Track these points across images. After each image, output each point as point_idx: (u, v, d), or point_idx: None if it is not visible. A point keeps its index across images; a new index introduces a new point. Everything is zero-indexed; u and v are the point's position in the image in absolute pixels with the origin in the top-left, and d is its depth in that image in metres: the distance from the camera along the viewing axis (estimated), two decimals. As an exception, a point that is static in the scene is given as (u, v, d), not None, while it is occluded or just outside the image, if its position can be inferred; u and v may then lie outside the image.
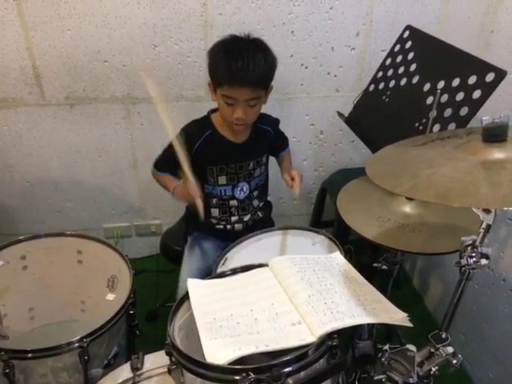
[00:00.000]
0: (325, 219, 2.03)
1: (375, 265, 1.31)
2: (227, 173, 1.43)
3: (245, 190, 1.48)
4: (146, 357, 1.06)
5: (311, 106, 1.89)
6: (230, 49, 1.25)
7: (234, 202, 1.48)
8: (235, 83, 1.23)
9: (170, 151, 1.42)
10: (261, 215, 1.57)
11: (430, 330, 0.97)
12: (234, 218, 1.51)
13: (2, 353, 1.02)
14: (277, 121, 1.53)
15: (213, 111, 1.44)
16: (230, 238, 1.43)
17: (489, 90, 1.08)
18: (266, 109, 1.55)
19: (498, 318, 1.45)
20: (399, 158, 0.91)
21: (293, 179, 1.40)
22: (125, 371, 1.04)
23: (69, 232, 1.40)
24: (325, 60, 1.79)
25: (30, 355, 1.05)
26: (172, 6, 1.60)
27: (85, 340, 1.07)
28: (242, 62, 1.21)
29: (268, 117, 1.50)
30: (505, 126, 0.77)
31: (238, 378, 0.74)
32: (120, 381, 1.03)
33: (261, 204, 1.57)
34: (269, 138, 1.50)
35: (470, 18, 1.55)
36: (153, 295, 1.88)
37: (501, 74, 1.06)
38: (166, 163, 1.43)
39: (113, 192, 1.99)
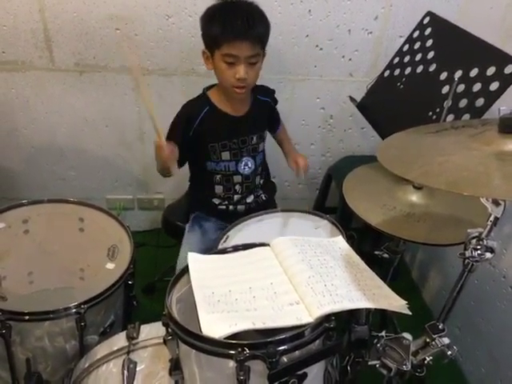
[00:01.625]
0: (328, 205, 2.01)
1: (377, 252, 1.30)
2: (230, 148, 1.41)
3: (250, 165, 1.45)
4: (142, 327, 1.07)
5: (323, 89, 1.85)
6: (226, 8, 1.25)
7: (238, 178, 1.46)
8: (236, 39, 1.21)
9: (170, 139, 1.40)
10: (264, 198, 1.55)
11: (425, 321, 0.96)
12: (236, 197, 1.49)
13: (0, 313, 1.03)
14: (273, 91, 1.51)
15: (208, 88, 1.42)
16: (231, 220, 1.42)
17: (507, 82, 1.06)
18: (277, 89, 1.53)
19: (494, 315, 1.45)
20: (411, 144, 0.89)
21: (297, 164, 1.42)
22: (120, 339, 1.05)
23: (72, 199, 1.40)
24: (340, 42, 1.75)
25: (27, 317, 1.06)
26: (189, -24, 1.57)
27: (82, 306, 1.07)
28: (240, 19, 1.21)
29: (265, 88, 1.49)
30: (523, 117, 0.75)
31: (233, 352, 0.74)
32: (115, 348, 1.04)
33: (261, 181, 1.55)
34: (270, 111, 1.49)
35: (492, 9, 1.51)
36: (151, 269, 1.89)
37: (521, 67, 1.04)
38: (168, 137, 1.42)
39: (117, 164, 1.98)
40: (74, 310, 1.07)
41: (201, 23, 1.30)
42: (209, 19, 1.27)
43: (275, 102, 1.52)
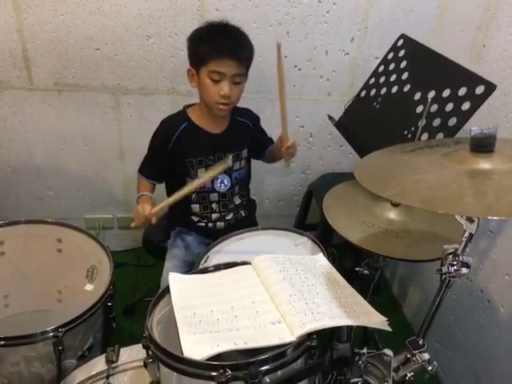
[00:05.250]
0: (309, 222, 2.03)
1: (357, 269, 1.32)
2: (206, 165, 1.41)
3: (226, 182, 1.46)
4: (122, 350, 1.05)
5: (302, 108, 1.89)
6: (215, 29, 1.30)
7: (214, 196, 1.46)
8: (223, 56, 1.25)
9: (150, 154, 1.43)
10: (243, 214, 1.56)
11: (406, 337, 0.98)
12: (214, 216, 1.49)
13: (-26, 339, 1.00)
14: (257, 117, 1.53)
15: (188, 106, 1.44)
16: (212, 236, 1.42)
17: (478, 102, 1.10)
18: (257, 108, 1.56)
19: (473, 329, 1.48)
20: (387, 163, 0.91)
21: (288, 148, 1.35)
22: (99, 363, 1.03)
23: (49, 220, 1.38)
24: (318, 63, 1.79)
25: (2, 342, 1.02)
26: (169, -2, 1.59)
27: (60, 330, 1.05)
28: (229, 38, 1.27)
29: (247, 110, 1.50)
30: (493, 136, 0.78)
31: (214, 374, 0.74)
32: (94, 373, 1.01)
33: (244, 202, 1.56)
34: (248, 132, 1.49)
35: (463, 32, 1.57)
36: (131, 289, 1.86)
37: (490, 88, 1.08)
38: (147, 167, 1.44)
39: (97, 183, 1.97)
40: (51, 334, 1.05)
41: (188, 43, 1.33)
42: (197, 38, 1.31)
43: (259, 129, 1.53)
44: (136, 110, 1.80)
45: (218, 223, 1.50)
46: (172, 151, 1.39)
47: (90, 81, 1.72)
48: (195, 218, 1.49)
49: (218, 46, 1.25)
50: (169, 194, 1.54)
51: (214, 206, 1.48)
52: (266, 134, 1.58)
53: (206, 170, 1.41)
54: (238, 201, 1.53)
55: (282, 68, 1.26)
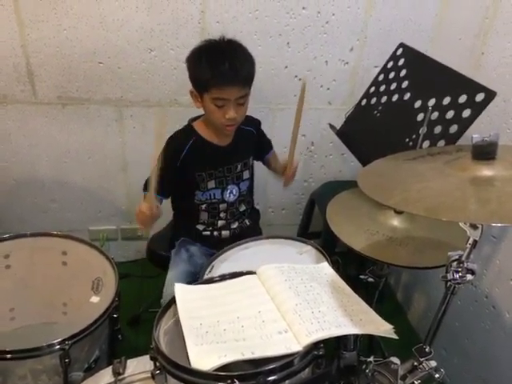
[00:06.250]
0: (312, 230, 2.03)
1: (361, 277, 1.32)
2: (216, 177, 1.43)
3: (234, 192, 1.47)
4: (129, 361, 1.05)
5: (303, 117, 1.88)
6: (212, 52, 1.28)
7: (223, 206, 1.48)
8: (225, 84, 1.23)
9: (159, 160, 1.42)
10: (248, 223, 1.56)
11: (412, 344, 0.97)
12: (220, 223, 1.50)
13: (-20, 353, 1.00)
14: (259, 122, 1.54)
15: (193, 120, 1.45)
16: (216, 246, 1.42)
17: (478, 109, 1.11)
18: (259, 118, 1.57)
19: (479, 335, 1.47)
20: (390, 171, 0.92)
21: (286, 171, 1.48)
22: (106, 375, 1.03)
23: (55, 232, 1.38)
24: (318, 73, 1.81)
25: (9, 356, 1.02)
26: (170, 11, 1.61)
27: (66, 342, 1.05)
28: (228, 63, 1.23)
29: (250, 118, 1.50)
30: (494, 144, 0.79)
31: (222, 384, 0.74)
32: (101, 385, 1.01)
33: (248, 209, 1.57)
34: (253, 139, 1.51)
35: (461, 40, 1.59)
36: (136, 300, 1.86)
37: (490, 95, 1.09)
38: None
39: (100, 194, 1.98)
40: (57, 347, 1.05)
41: (188, 65, 1.31)
42: (196, 62, 1.29)
43: (260, 133, 1.55)
44: (139, 122, 1.82)
45: (224, 232, 1.51)
46: (181, 167, 1.39)
47: (94, 94, 1.74)
48: (201, 227, 1.50)
49: (219, 72, 1.22)
50: (174, 206, 1.55)
51: (222, 214, 1.49)
52: (266, 137, 1.59)
53: (215, 183, 1.43)
54: (242, 208, 1.54)
55: (302, 103, 1.34)
